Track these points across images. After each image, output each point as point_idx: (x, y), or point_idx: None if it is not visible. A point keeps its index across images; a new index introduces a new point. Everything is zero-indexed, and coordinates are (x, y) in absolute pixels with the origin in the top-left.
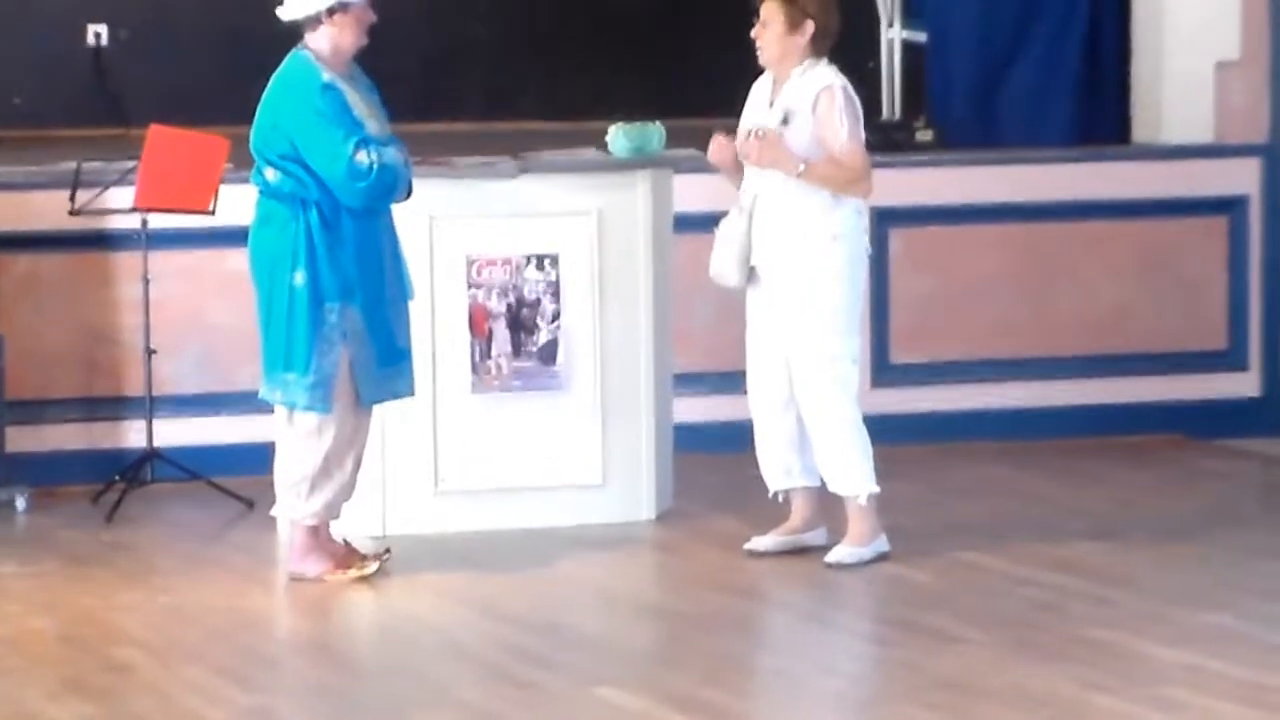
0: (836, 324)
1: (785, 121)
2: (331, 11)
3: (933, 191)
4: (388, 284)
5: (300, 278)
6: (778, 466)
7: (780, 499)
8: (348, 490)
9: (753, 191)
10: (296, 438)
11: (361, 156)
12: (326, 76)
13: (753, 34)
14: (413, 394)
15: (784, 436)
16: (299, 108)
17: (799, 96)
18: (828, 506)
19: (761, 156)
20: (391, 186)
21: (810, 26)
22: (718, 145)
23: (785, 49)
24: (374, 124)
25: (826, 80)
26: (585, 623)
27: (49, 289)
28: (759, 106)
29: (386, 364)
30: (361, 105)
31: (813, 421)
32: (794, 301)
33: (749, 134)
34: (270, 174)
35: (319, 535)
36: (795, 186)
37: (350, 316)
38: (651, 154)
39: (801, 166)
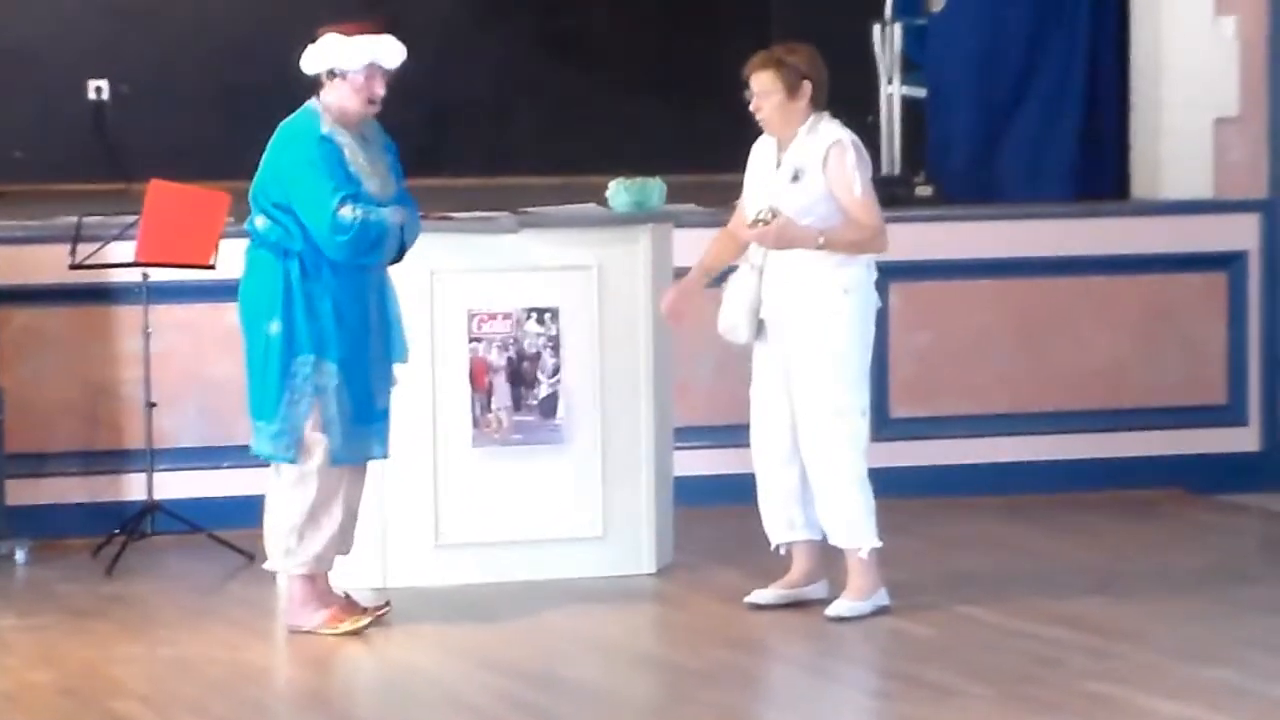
0: (847, 376)
1: (795, 179)
2: (331, 75)
3: (932, 246)
4: (371, 343)
5: (275, 327)
6: (781, 519)
7: (782, 552)
8: (339, 541)
9: (761, 247)
10: (283, 487)
11: (345, 211)
12: (326, 129)
13: (752, 108)
14: (387, 457)
15: (787, 489)
16: (293, 157)
17: (808, 154)
18: (828, 559)
19: (779, 241)
20: (375, 244)
21: (808, 87)
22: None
23: (788, 115)
24: (375, 182)
25: (836, 135)
26: (585, 675)
27: (49, 343)
28: (764, 168)
29: (362, 423)
30: (364, 163)
31: (818, 474)
32: (804, 354)
33: (756, 220)
34: (260, 221)
35: (315, 586)
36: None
37: (324, 371)
38: (652, 209)
39: (821, 240)
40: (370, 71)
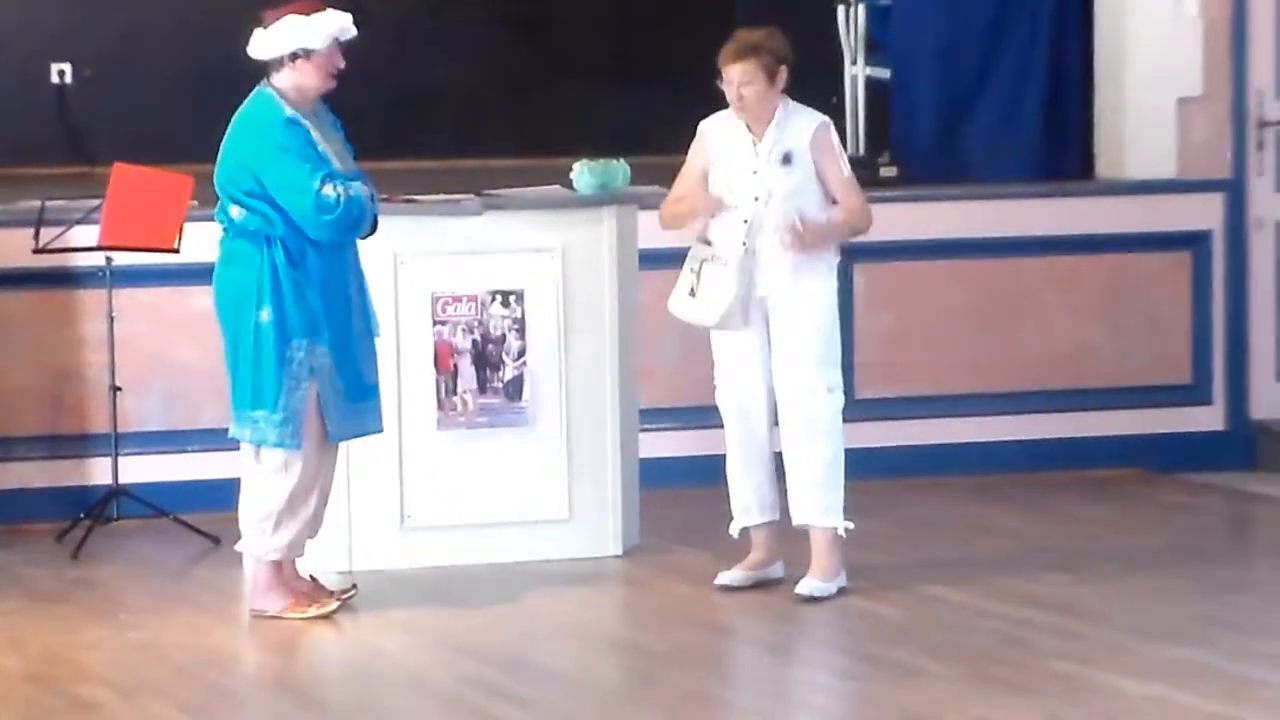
0: (832, 355)
1: (787, 161)
2: (295, 56)
3: (897, 227)
4: (354, 320)
5: (266, 315)
6: (755, 503)
7: (738, 535)
8: (312, 527)
9: (749, 228)
10: (263, 474)
11: (328, 190)
12: (289, 112)
13: (730, 97)
14: (381, 430)
15: (765, 473)
16: (262, 144)
17: (794, 136)
18: (786, 540)
19: (813, 246)
20: (359, 219)
21: (784, 71)
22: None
23: (767, 100)
24: (338, 161)
25: (821, 118)
26: (553, 658)
27: (13, 327)
28: (739, 151)
29: (354, 400)
30: (324, 142)
31: (805, 453)
32: (795, 333)
33: (788, 229)
34: (235, 212)
35: (282, 572)
36: (794, 219)
37: (317, 353)
38: (616, 190)
39: (846, 228)
40: (333, 47)
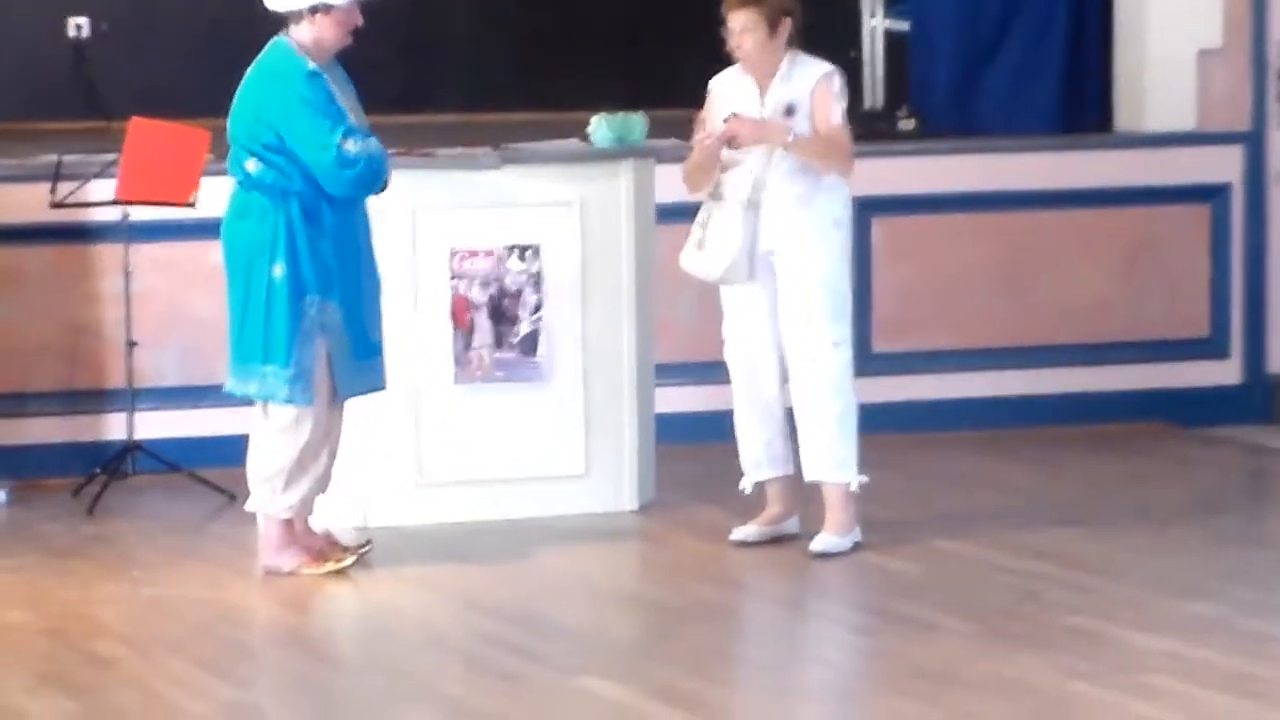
0: (840, 310)
1: (790, 113)
2: (315, 10)
3: (915, 180)
4: (364, 277)
5: (280, 270)
6: (764, 456)
7: (749, 490)
8: (323, 484)
9: (754, 182)
10: (272, 431)
11: (350, 145)
12: (311, 65)
13: (733, 44)
14: (384, 388)
15: (777, 425)
16: (285, 97)
17: (798, 88)
18: (801, 494)
19: (753, 132)
20: (377, 176)
21: (788, 23)
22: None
23: (768, 51)
24: (353, 116)
25: (825, 68)
26: (568, 614)
27: (29, 282)
28: (745, 104)
29: (361, 357)
30: (342, 97)
31: (813, 408)
32: (800, 287)
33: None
34: (252, 165)
35: (293, 528)
36: (799, 174)
37: (329, 310)
38: (634, 144)
39: (791, 136)
40: (353, 3)
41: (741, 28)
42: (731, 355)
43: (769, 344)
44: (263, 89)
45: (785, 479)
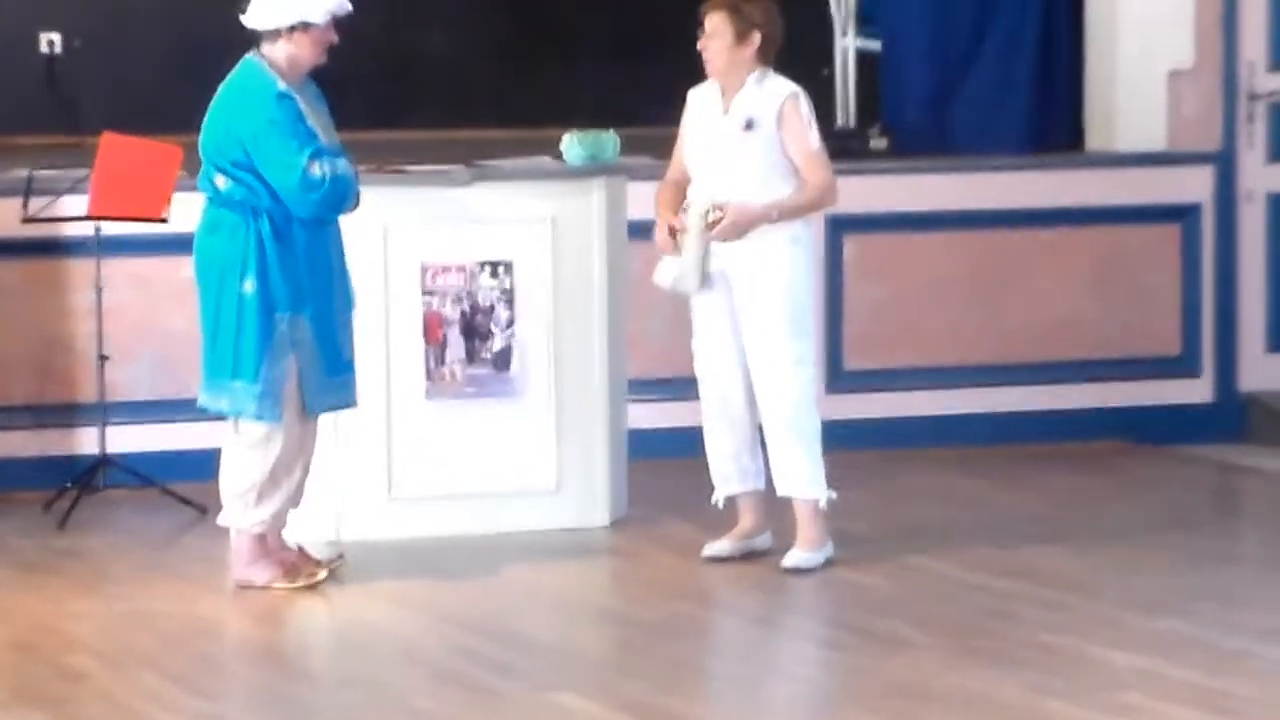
0: (799, 328)
1: (749, 128)
2: (292, 29)
3: (887, 198)
4: (335, 294)
5: (250, 286)
6: (733, 471)
7: (721, 504)
8: (295, 499)
9: (710, 196)
10: (243, 447)
11: (315, 168)
12: (282, 85)
13: (699, 45)
14: (355, 404)
15: (742, 439)
16: (253, 116)
17: (760, 104)
18: (772, 510)
19: (739, 230)
20: (343, 198)
21: (757, 37)
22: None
23: (733, 60)
24: (324, 135)
25: (790, 89)
26: (540, 628)
27: (1, 297)
28: (708, 115)
29: (332, 374)
30: (312, 115)
31: (778, 425)
32: (759, 306)
33: (708, 211)
34: (221, 181)
35: (266, 543)
36: (757, 190)
37: (300, 326)
38: (606, 161)
39: (775, 214)
40: (330, 22)
41: (710, 30)
42: (700, 369)
43: (734, 358)
44: (233, 107)
45: (755, 493)
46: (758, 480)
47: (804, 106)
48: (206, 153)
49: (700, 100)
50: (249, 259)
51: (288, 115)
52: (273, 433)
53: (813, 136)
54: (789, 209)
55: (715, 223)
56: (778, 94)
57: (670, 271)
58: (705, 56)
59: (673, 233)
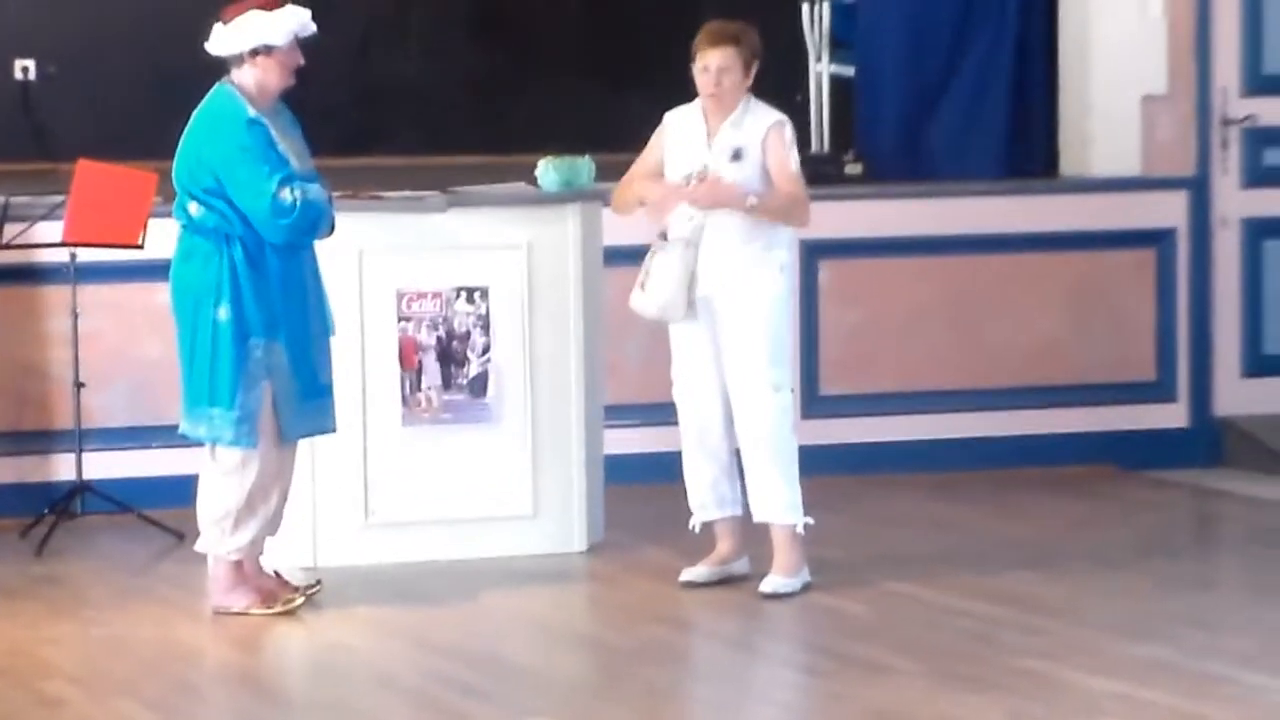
0: (780, 354)
1: (737, 158)
2: (255, 53)
3: (862, 224)
4: (311, 319)
5: (224, 313)
6: (711, 497)
7: (698, 530)
8: (272, 525)
9: (694, 223)
10: (220, 473)
11: (285, 194)
12: (252, 112)
13: (706, 83)
14: (334, 430)
15: (721, 465)
16: (224, 142)
17: (748, 133)
18: (749, 536)
19: (712, 198)
20: (315, 223)
21: (755, 66)
22: (664, 195)
23: (739, 93)
24: (296, 160)
25: (776, 116)
26: (518, 654)
27: None
28: (693, 142)
29: (309, 399)
30: (285, 142)
31: (756, 451)
32: (741, 332)
33: (688, 178)
34: (194, 208)
35: (243, 569)
36: (745, 218)
37: (275, 352)
38: (581, 187)
39: (752, 200)
40: (294, 43)
41: (720, 65)
42: (678, 395)
43: (713, 385)
44: (204, 134)
45: (732, 519)
46: (735, 506)
47: (788, 133)
48: (180, 180)
49: (681, 124)
50: (223, 286)
51: (258, 141)
52: (248, 459)
53: (793, 160)
54: (765, 203)
55: (698, 181)
56: (764, 122)
57: (655, 301)
58: (713, 93)
59: (659, 245)
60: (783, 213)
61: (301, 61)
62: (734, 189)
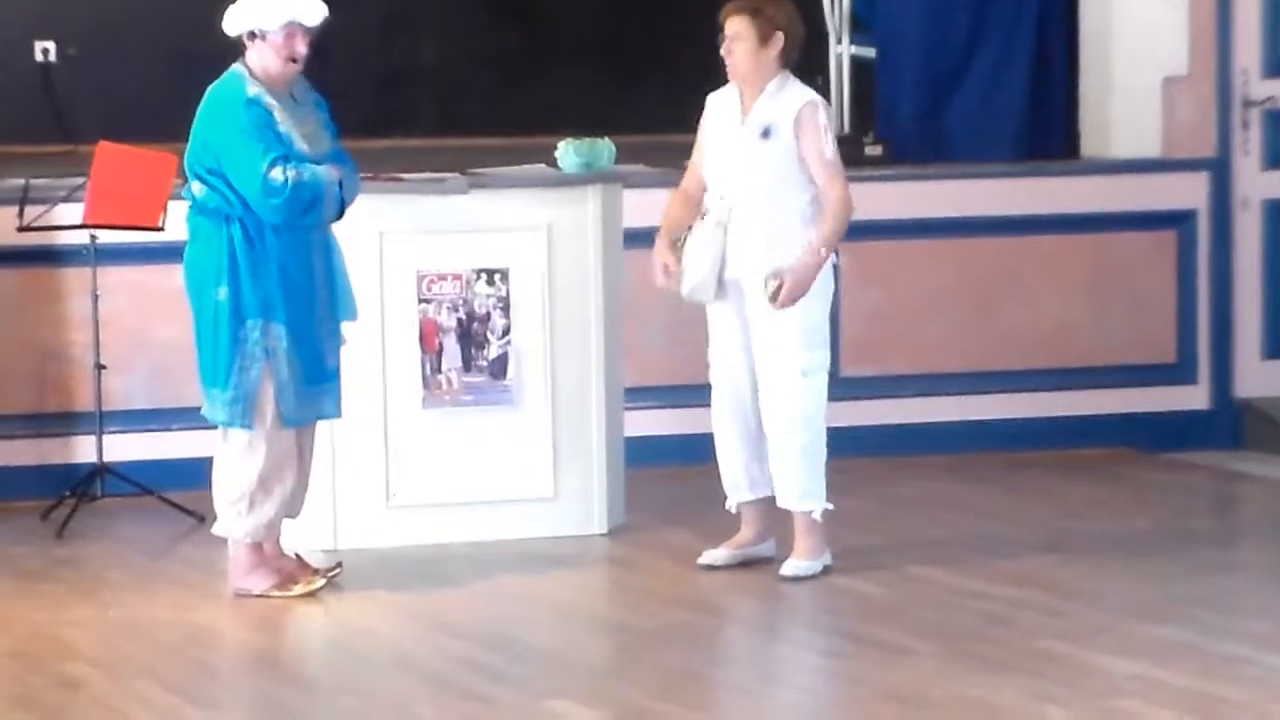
0: (813, 337)
1: (766, 135)
2: (252, 36)
3: (882, 206)
4: (318, 303)
5: (223, 293)
6: (743, 479)
7: (735, 510)
8: (290, 507)
9: (726, 204)
10: (231, 454)
11: (276, 173)
12: (253, 91)
13: (722, 51)
14: (339, 415)
15: (752, 448)
16: (223, 123)
17: (779, 111)
18: (775, 518)
19: (796, 295)
20: (311, 204)
21: (780, 39)
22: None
23: (757, 64)
24: (306, 141)
25: (809, 96)
26: (538, 636)
27: None
28: (727, 122)
29: (312, 383)
30: (292, 123)
31: (780, 435)
32: (771, 315)
33: (765, 283)
34: (198, 189)
35: (263, 551)
36: (773, 199)
37: (273, 334)
38: (601, 169)
39: (823, 250)
40: (290, 30)
41: (733, 34)
42: (714, 377)
43: (743, 366)
44: (208, 115)
45: (761, 502)
46: (765, 488)
47: (822, 115)
48: (188, 162)
49: (719, 105)
50: (222, 266)
51: (255, 121)
52: (254, 440)
53: (828, 146)
54: (828, 241)
55: (776, 290)
56: (796, 101)
57: (687, 281)
58: (729, 61)
59: (667, 270)
60: (839, 225)
61: (302, 49)
62: (810, 261)
